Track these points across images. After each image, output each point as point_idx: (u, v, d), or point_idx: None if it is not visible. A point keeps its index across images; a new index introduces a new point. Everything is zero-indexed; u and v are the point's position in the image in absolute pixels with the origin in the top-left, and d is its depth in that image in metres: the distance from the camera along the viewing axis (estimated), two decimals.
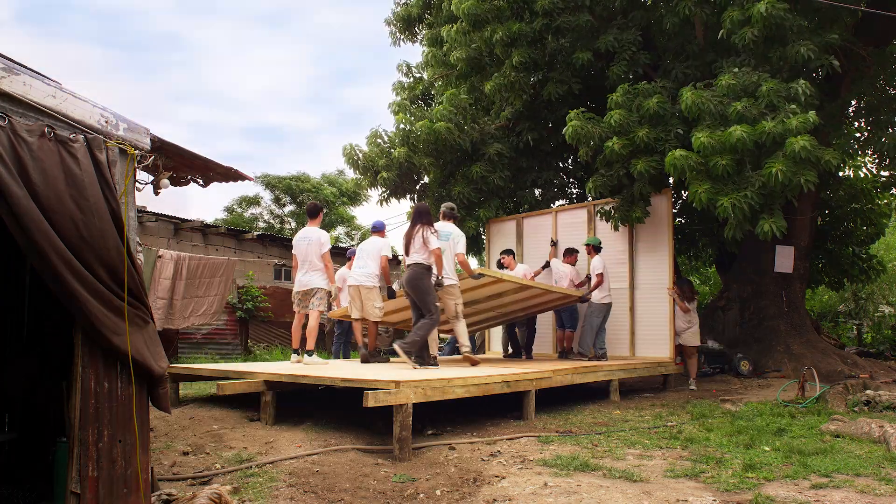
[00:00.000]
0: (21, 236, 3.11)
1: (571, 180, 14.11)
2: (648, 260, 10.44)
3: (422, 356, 7.44)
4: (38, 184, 3.13)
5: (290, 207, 30.46)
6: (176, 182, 4.35)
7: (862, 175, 13.84)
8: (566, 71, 11.34)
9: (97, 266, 3.31)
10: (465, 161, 12.22)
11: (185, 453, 5.64)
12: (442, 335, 10.95)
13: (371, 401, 5.35)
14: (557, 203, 13.96)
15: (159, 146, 3.83)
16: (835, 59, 9.05)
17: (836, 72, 9.32)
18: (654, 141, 9.21)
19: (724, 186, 8.42)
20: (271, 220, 30.60)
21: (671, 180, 11.06)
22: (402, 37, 14.51)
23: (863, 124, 12.49)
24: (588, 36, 11.00)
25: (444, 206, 8.44)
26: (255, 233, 19.17)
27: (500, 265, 10.59)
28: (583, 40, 11.03)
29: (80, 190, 3.27)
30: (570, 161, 13.95)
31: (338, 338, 11.57)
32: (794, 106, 8.25)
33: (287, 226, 30.00)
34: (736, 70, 8.97)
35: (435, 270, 7.54)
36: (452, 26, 11.70)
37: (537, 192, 13.37)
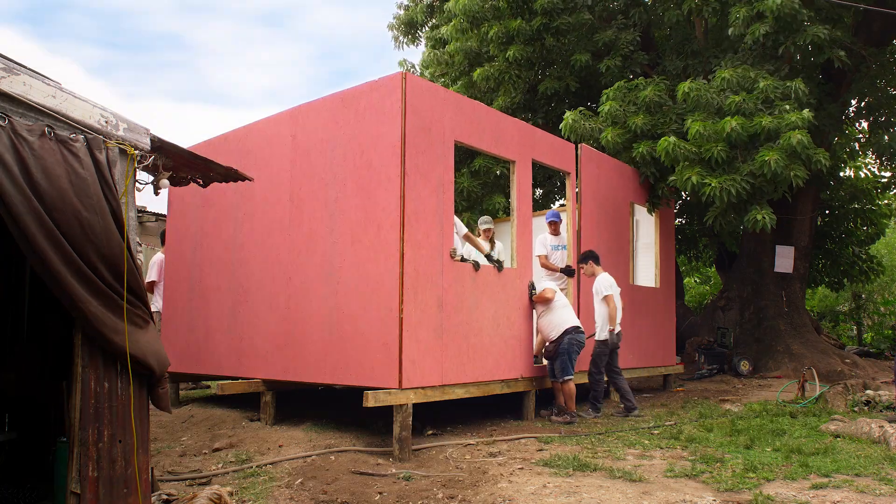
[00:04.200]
0: (20, 237, 3.11)
1: None
2: (648, 260, 10.42)
3: None
4: (41, 182, 3.13)
5: None
6: (176, 182, 4.33)
7: (863, 175, 13.86)
8: (564, 69, 11.36)
9: (100, 265, 3.31)
10: (468, 158, 12.27)
11: (185, 454, 5.65)
12: None
13: (371, 401, 5.36)
14: (558, 203, 13.98)
15: (159, 146, 3.82)
16: (842, 52, 9.08)
17: (845, 63, 9.33)
18: (651, 128, 9.19)
19: (713, 171, 8.42)
20: None
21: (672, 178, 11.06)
22: (405, 40, 14.56)
23: (864, 125, 12.50)
24: (587, 36, 11.03)
25: None
26: None
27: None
28: (582, 41, 11.05)
29: (83, 188, 3.27)
30: None
31: None
32: (786, 105, 8.28)
33: None
34: (731, 66, 8.99)
35: None
36: (451, 23, 11.74)
37: (539, 191, 13.37)
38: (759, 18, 8.76)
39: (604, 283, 7.72)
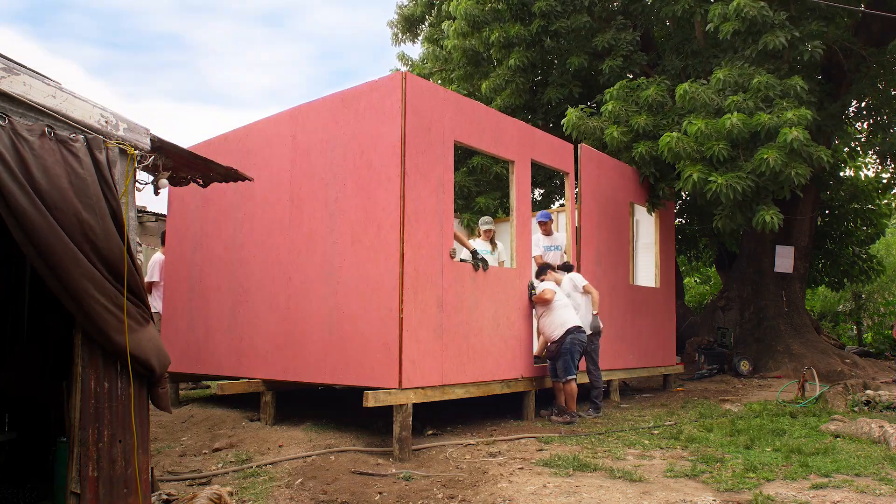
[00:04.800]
0: (21, 236, 3.11)
1: None
2: (648, 260, 10.43)
3: None
4: (41, 182, 3.14)
5: None
6: (176, 182, 4.33)
7: (863, 176, 13.86)
8: (566, 74, 11.37)
9: (100, 264, 3.31)
10: (467, 156, 12.29)
11: (185, 454, 5.65)
12: None
13: (371, 401, 5.36)
14: (558, 203, 13.98)
15: (159, 146, 3.82)
16: (821, 48, 9.06)
17: (822, 55, 9.33)
18: (654, 127, 9.20)
19: (716, 170, 8.42)
20: None
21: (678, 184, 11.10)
22: (404, 36, 14.60)
23: (864, 125, 12.51)
24: (585, 38, 11.05)
25: None
26: None
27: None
28: (580, 42, 11.06)
29: (83, 188, 3.27)
30: None
31: None
32: (785, 102, 8.28)
33: None
34: (730, 66, 9.00)
35: None
36: (451, 24, 11.76)
37: (539, 191, 13.37)
38: (728, 18, 8.80)
39: (578, 277, 7.73)
